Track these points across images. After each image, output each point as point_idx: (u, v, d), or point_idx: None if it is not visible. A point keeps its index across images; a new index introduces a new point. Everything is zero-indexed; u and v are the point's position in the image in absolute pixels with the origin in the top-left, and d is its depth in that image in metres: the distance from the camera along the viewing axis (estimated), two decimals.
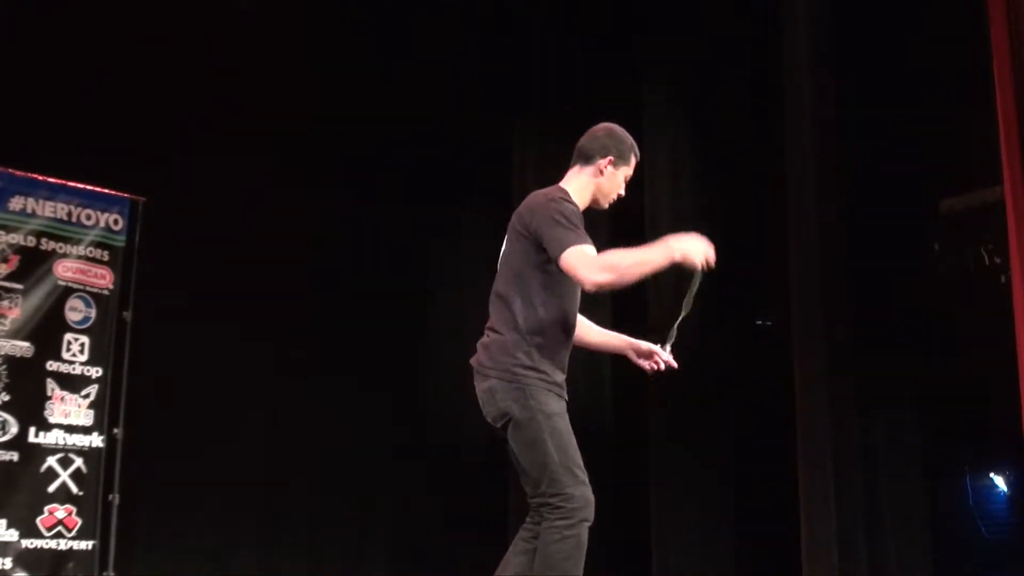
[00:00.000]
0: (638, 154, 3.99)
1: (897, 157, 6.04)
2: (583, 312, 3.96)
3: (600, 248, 3.64)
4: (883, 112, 6.04)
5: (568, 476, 3.57)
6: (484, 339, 3.74)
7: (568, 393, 3.75)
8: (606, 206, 3.97)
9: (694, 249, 3.63)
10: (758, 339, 7.18)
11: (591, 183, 3.92)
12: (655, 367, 3.98)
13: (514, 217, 3.82)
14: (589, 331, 4.03)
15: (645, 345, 4.00)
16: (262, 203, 7.02)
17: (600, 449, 7.58)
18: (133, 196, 6.58)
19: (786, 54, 6.36)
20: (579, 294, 3.80)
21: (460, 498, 7.10)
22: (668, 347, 3.94)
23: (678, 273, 3.76)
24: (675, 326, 3.91)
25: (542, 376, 3.63)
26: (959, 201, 6.25)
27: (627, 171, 3.95)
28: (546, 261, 3.66)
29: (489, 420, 3.72)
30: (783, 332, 6.36)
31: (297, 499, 7.06)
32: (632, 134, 7.75)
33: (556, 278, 3.67)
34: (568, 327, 3.74)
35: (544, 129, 7.94)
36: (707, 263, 3.65)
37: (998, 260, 5.95)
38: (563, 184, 3.92)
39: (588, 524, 3.59)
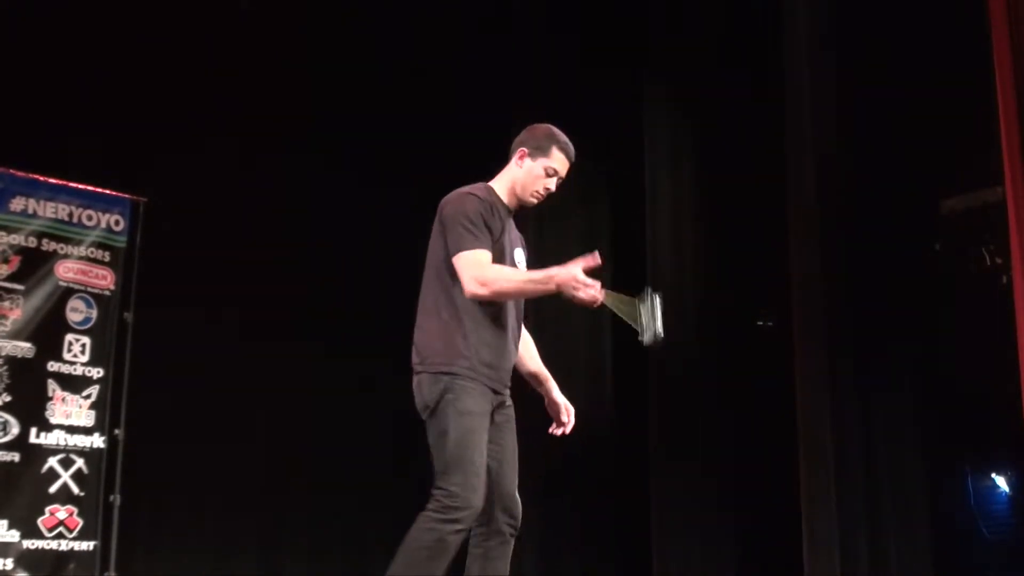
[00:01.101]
0: (568, 151, 3.97)
1: (898, 157, 6.04)
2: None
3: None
4: (884, 112, 6.04)
5: (458, 474, 3.55)
6: (414, 336, 3.81)
7: (503, 386, 3.80)
8: (532, 200, 3.97)
9: (570, 287, 3.69)
10: (759, 340, 7.17)
11: (510, 177, 3.95)
12: (556, 429, 4.04)
13: (437, 212, 3.86)
14: (528, 357, 4.10)
15: (562, 403, 4.06)
16: (263, 203, 7.03)
17: (601, 450, 7.60)
18: (134, 197, 6.59)
19: (787, 54, 6.35)
20: None
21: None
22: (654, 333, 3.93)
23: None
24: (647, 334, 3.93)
25: (466, 369, 3.65)
26: (960, 201, 6.26)
27: (547, 163, 3.92)
28: None
29: (417, 410, 3.75)
30: (784, 333, 6.35)
31: (298, 499, 7.06)
32: (632, 134, 7.75)
33: None
34: (496, 319, 3.77)
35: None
36: (590, 302, 3.73)
37: (999, 260, 5.96)
38: (492, 182, 3.97)
39: (462, 528, 3.55)
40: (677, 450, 7.03)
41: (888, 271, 6.02)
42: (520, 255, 3.99)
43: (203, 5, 6.89)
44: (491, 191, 3.90)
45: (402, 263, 7.79)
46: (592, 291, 3.73)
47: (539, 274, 3.73)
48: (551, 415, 4.04)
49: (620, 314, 3.89)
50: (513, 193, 3.94)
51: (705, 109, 7.33)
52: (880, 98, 6.02)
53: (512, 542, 3.76)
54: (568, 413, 4.03)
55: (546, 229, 7.81)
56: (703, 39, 7.39)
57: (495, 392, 3.76)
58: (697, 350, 7.12)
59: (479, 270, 3.64)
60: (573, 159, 3.99)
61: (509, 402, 3.87)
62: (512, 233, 3.98)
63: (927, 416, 6.01)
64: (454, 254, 3.68)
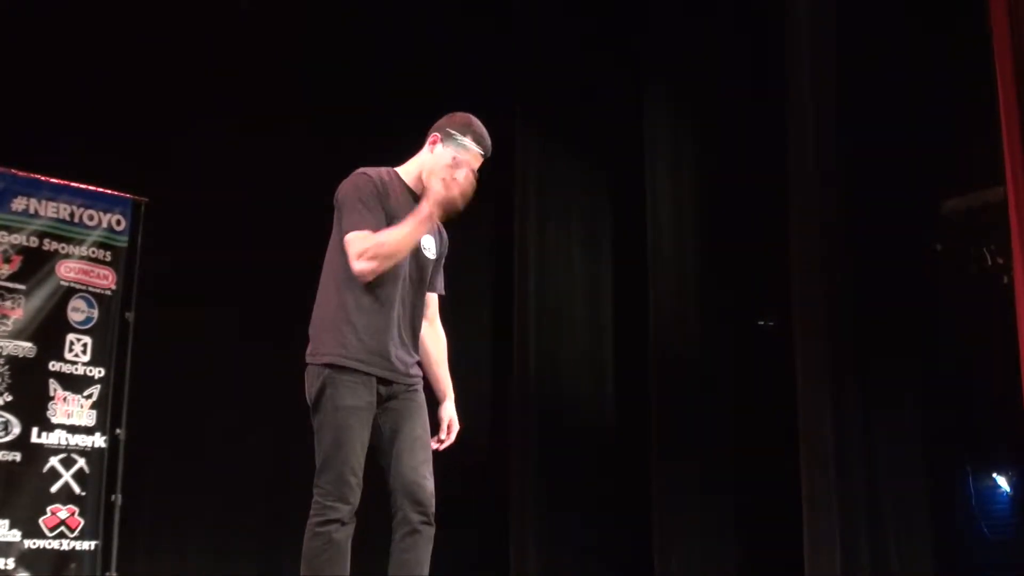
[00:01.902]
0: (483, 143, 3.84)
1: (899, 157, 6.03)
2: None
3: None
4: (885, 112, 6.03)
5: (330, 472, 3.55)
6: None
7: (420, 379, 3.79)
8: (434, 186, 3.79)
9: (442, 197, 3.59)
10: (760, 340, 7.16)
11: (420, 162, 3.86)
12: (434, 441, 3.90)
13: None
14: (435, 360, 4.01)
15: (446, 418, 3.95)
16: (264, 204, 7.03)
17: (602, 451, 7.61)
18: (135, 196, 6.60)
19: (788, 54, 6.35)
20: (406, 269, 3.74)
21: (461, 498, 7.09)
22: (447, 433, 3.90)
23: None
24: None
25: (348, 359, 3.60)
26: (961, 201, 6.25)
27: (457, 153, 3.79)
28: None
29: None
30: (785, 333, 6.35)
31: (299, 499, 7.00)
32: (632, 134, 7.74)
33: None
34: (385, 308, 3.68)
35: (545, 128, 7.95)
36: (466, 191, 3.63)
37: (1000, 260, 5.95)
38: (399, 167, 3.89)
39: (342, 524, 3.54)
40: (678, 450, 7.03)
41: (889, 271, 6.01)
42: (430, 241, 3.86)
43: (203, 5, 6.90)
44: (392, 173, 3.82)
45: None
46: (462, 174, 3.67)
47: (410, 219, 3.61)
48: (437, 422, 3.93)
49: None
50: (419, 175, 3.83)
51: (706, 109, 7.33)
52: (881, 98, 6.01)
53: (427, 532, 3.67)
54: (450, 431, 3.92)
55: (548, 231, 7.82)
56: (704, 39, 7.39)
57: (385, 382, 3.67)
58: (698, 350, 7.12)
59: (360, 247, 3.57)
60: (488, 152, 3.87)
61: (414, 390, 3.78)
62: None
63: (928, 416, 6.00)
64: (342, 237, 3.64)
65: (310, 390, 3.66)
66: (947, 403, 6.13)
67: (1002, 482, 6.56)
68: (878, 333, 5.97)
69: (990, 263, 6.10)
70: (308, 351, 3.70)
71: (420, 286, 3.83)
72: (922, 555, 5.85)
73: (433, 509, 3.68)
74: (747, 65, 7.13)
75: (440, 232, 3.95)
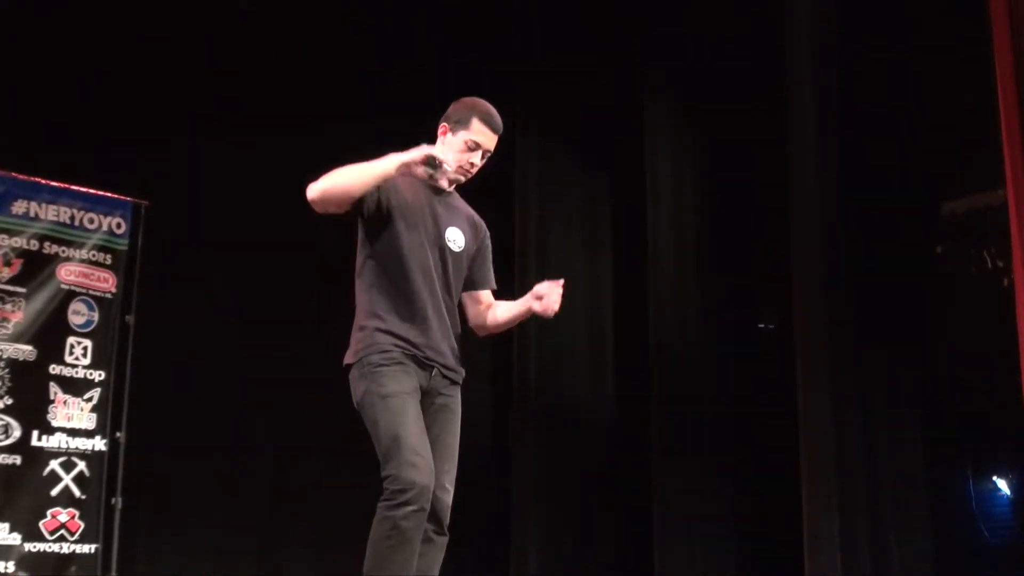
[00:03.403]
0: (492, 122, 3.80)
1: (899, 160, 6.03)
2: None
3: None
4: (885, 114, 6.03)
5: (396, 457, 3.43)
6: None
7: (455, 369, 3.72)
8: (457, 177, 3.80)
9: (412, 163, 3.57)
10: (761, 343, 7.17)
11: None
12: (548, 304, 3.78)
13: None
14: (499, 311, 3.93)
15: (542, 286, 3.79)
16: (265, 206, 7.02)
17: (603, 451, 7.61)
18: (136, 200, 6.60)
19: (788, 54, 6.35)
20: (428, 262, 3.69)
21: (462, 498, 7.09)
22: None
23: None
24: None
25: (386, 347, 3.57)
26: (961, 204, 6.25)
27: (468, 136, 3.76)
28: (366, 233, 3.69)
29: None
30: (786, 335, 6.35)
31: (300, 502, 7.06)
32: (633, 137, 7.72)
33: (386, 250, 3.66)
34: (407, 295, 3.64)
35: (545, 130, 7.95)
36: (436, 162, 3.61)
37: (1000, 263, 5.96)
38: None
39: (413, 510, 3.41)
40: (679, 452, 7.02)
41: (889, 274, 6.01)
42: (457, 233, 3.80)
43: (203, 7, 6.89)
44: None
45: None
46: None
47: (378, 160, 3.58)
48: (540, 300, 3.77)
49: None
50: None
51: (706, 111, 7.33)
52: (881, 99, 6.01)
53: (440, 541, 3.62)
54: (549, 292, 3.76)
55: (551, 234, 7.82)
56: (704, 42, 7.39)
57: (425, 367, 3.64)
58: (699, 351, 7.11)
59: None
60: (499, 130, 3.83)
61: (454, 390, 3.75)
62: (441, 210, 3.79)
63: (928, 418, 6.01)
64: None
65: (355, 392, 3.64)
66: (947, 406, 6.14)
67: (1002, 485, 6.56)
68: (878, 336, 5.97)
69: (990, 266, 6.11)
70: (349, 354, 3.69)
71: (448, 279, 3.76)
72: (922, 557, 5.85)
73: (448, 521, 3.63)
74: (748, 66, 7.14)
75: (475, 225, 3.91)
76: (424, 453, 3.48)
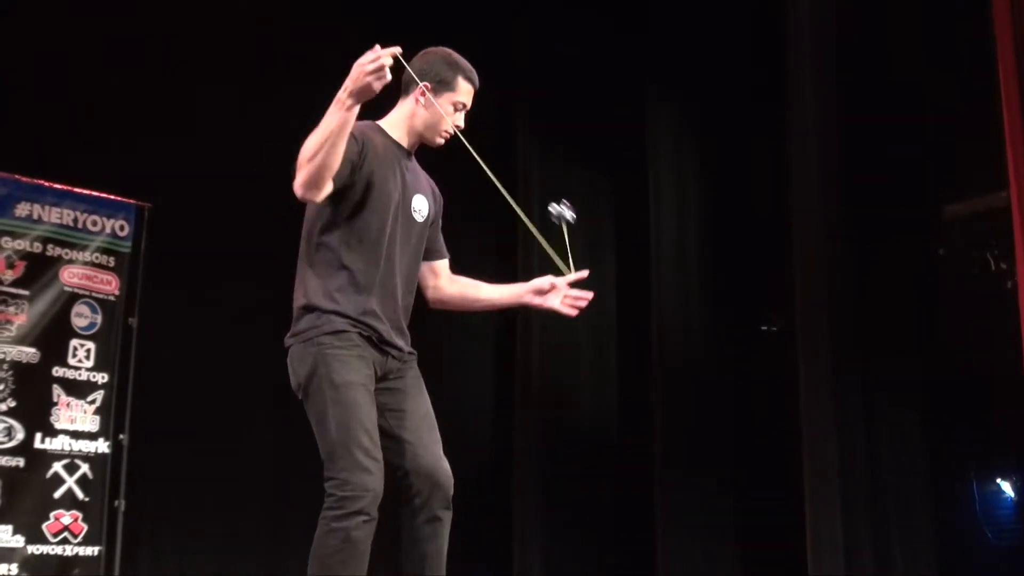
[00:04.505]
0: (473, 78, 3.56)
1: (902, 161, 6.03)
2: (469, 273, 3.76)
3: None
4: (888, 116, 6.03)
5: (345, 458, 3.16)
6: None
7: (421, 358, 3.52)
8: (439, 140, 3.57)
9: (360, 80, 3.14)
10: (763, 345, 7.16)
11: (409, 115, 3.55)
12: (573, 303, 3.59)
13: None
14: (477, 289, 3.71)
15: (544, 281, 3.60)
16: (269, 208, 7.02)
17: (605, 456, 7.60)
18: (139, 202, 6.60)
19: (789, 58, 6.35)
20: (395, 234, 3.44)
21: (465, 499, 7.09)
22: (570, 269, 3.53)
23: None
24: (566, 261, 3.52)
25: (339, 326, 3.29)
26: (964, 206, 6.25)
27: (454, 98, 3.50)
28: (324, 206, 3.37)
29: (293, 391, 3.41)
30: (788, 338, 6.35)
31: (303, 505, 7.01)
32: (635, 137, 7.68)
33: (341, 222, 3.38)
34: (369, 272, 3.37)
35: (546, 133, 7.95)
36: (379, 69, 3.12)
37: (1004, 265, 5.95)
38: (383, 119, 3.57)
39: (366, 519, 3.15)
40: (682, 456, 7.03)
41: (892, 276, 6.01)
42: (422, 202, 3.57)
43: (207, 11, 6.90)
44: (373, 126, 3.52)
45: None
46: (375, 58, 3.14)
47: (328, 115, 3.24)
48: (553, 301, 3.59)
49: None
50: (415, 132, 3.54)
51: (709, 114, 7.34)
52: (884, 101, 6.01)
53: (447, 517, 3.39)
54: (554, 286, 3.57)
55: (552, 237, 7.81)
56: (706, 45, 7.39)
57: (381, 350, 3.38)
58: (701, 355, 7.12)
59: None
60: (478, 85, 3.58)
61: (411, 364, 3.49)
62: (408, 176, 3.53)
63: (932, 421, 6.00)
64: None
65: (297, 375, 3.35)
66: (951, 408, 6.13)
67: (1006, 487, 6.55)
68: (881, 338, 5.97)
69: (993, 268, 6.10)
70: (291, 332, 3.42)
71: (413, 251, 3.53)
72: (926, 560, 5.84)
73: (452, 492, 3.39)
74: (749, 69, 7.14)
75: (434, 193, 3.69)
76: (378, 456, 3.22)
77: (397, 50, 3.21)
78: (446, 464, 3.40)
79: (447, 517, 3.39)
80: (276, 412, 7.00)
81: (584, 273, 3.58)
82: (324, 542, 3.18)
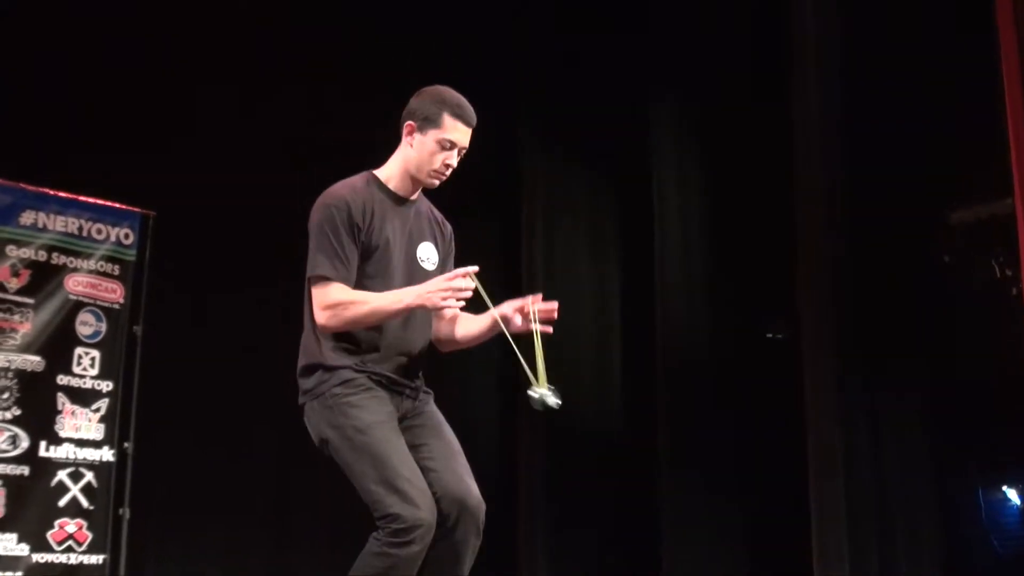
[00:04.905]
0: (464, 115, 3.44)
1: (906, 168, 6.03)
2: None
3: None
4: (892, 122, 6.03)
5: (391, 494, 3.14)
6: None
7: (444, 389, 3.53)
8: (431, 181, 3.47)
9: (427, 299, 3.22)
10: (769, 352, 7.15)
11: (402, 159, 3.47)
12: (546, 316, 3.45)
13: None
14: (460, 325, 3.58)
15: (508, 307, 3.45)
16: (273, 216, 7.02)
17: (610, 459, 7.60)
18: (143, 210, 6.61)
19: (793, 63, 6.35)
20: (395, 284, 3.40)
21: None
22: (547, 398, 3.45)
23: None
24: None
25: (351, 375, 3.29)
26: (969, 213, 6.24)
27: (440, 135, 3.39)
28: None
29: (318, 448, 3.41)
30: (794, 345, 6.34)
31: (308, 512, 7.06)
32: (638, 146, 7.66)
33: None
34: (375, 333, 3.36)
35: (550, 137, 7.96)
36: (455, 296, 3.22)
37: (1009, 272, 5.94)
38: (384, 166, 3.53)
39: (418, 550, 3.14)
40: (686, 461, 7.02)
41: (897, 283, 6.00)
42: (429, 249, 3.53)
43: (210, 19, 6.91)
44: (370, 182, 3.46)
45: None
46: (455, 284, 3.23)
47: (390, 296, 3.30)
48: (519, 319, 3.45)
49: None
50: (408, 176, 3.47)
51: (712, 119, 7.34)
52: (888, 108, 6.01)
53: (476, 546, 3.34)
54: (524, 305, 3.43)
55: (556, 244, 7.82)
56: (710, 47, 7.39)
57: (397, 391, 3.38)
58: (706, 359, 7.11)
59: (328, 301, 3.28)
60: (473, 123, 3.46)
61: (426, 401, 3.49)
62: (411, 226, 3.49)
63: (937, 429, 5.99)
64: (308, 276, 3.35)
65: (318, 432, 3.35)
66: (956, 415, 6.12)
67: (1012, 495, 6.54)
68: (887, 345, 5.96)
69: (999, 274, 6.09)
70: (303, 389, 3.43)
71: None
72: (932, 567, 5.83)
73: (483, 519, 3.35)
74: (753, 74, 7.14)
75: (442, 231, 3.64)
76: (422, 485, 3.20)
77: (474, 269, 3.27)
78: (476, 490, 3.36)
79: (477, 544, 3.35)
80: (280, 420, 6.96)
81: (554, 303, 3.50)
82: (371, 561, 3.18)
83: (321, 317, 3.30)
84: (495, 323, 3.48)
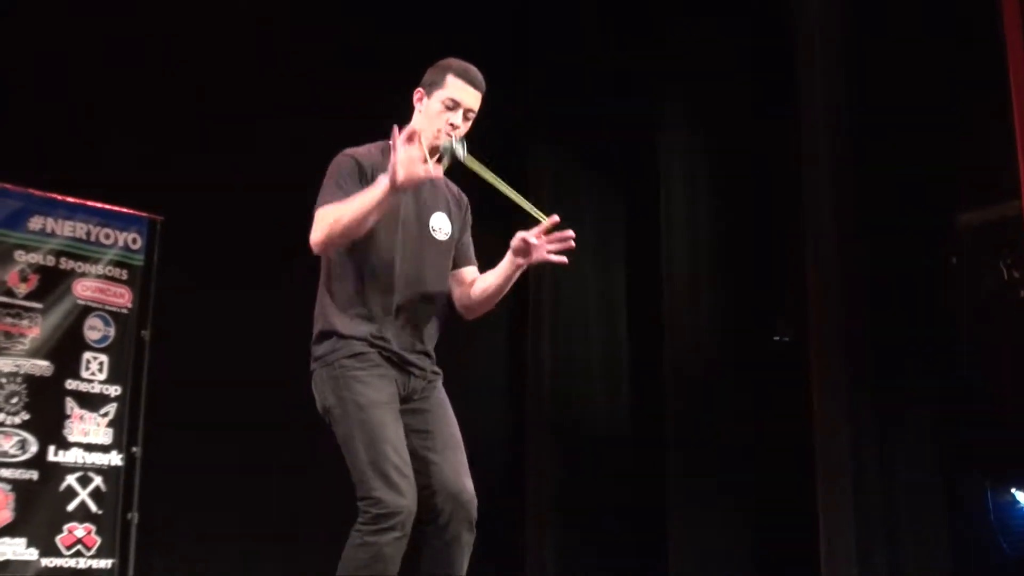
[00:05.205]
0: (468, 75, 3.51)
1: (914, 170, 6.02)
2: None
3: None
4: (900, 125, 6.02)
5: (376, 478, 3.18)
6: None
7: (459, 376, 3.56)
8: (438, 143, 3.45)
9: (405, 163, 3.17)
10: (776, 354, 7.15)
11: (412, 126, 3.47)
12: (560, 247, 3.52)
13: None
14: (485, 279, 3.62)
15: (516, 240, 3.52)
16: (281, 221, 7.02)
17: (617, 462, 7.60)
18: (151, 215, 6.63)
19: (800, 68, 6.35)
20: (411, 256, 3.45)
21: (479, 502, 7.08)
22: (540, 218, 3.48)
23: None
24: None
25: (358, 349, 3.32)
26: (977, 215, 6.24)
27: (444, 94, 3.47)
28: None
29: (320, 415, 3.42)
30: (801, 348, 6.34)
31: (318, 516, 7.05)
32: (647, 150, 7.67)
33: (359, 244, 3.38)
34: (387, 294, 3.39)
35: (558, 143, 7.97)
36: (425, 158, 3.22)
37: (1017, 274, 5.94)
38: None
39: (398, 536, 3.17)
40: (694, 465, 7.02)
41: (904, 285, 6.00)
42: (442, 219, 3.58)
43: (221, 24, 6.92)
44: (385, 150, 3.47)
45: None
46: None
47: (369, 189, 3.28)
48: (537, 254, 3.50)
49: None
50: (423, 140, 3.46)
51: (720, 124, 7.34)
52: (895, 111, 6.01)
53: (470, 542, 3.38)
54: (522, 239, 3.48)
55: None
56: (717, 57, 7.40)
57: (404, 370, 3.40)
58: (714, 363, 7.11)
59: (317, 221, 3.33)
60: (479, 86, 3.53)
61: (435, 383, 3.50)
62: (425, 195, 3.54)
63: (945, 431, 5.98)
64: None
65: (322, 399, 3.40)
66: (964, 418, 6.11)
67: (1021, 497, 6.52)
68: (894, 348, 5.95)
69: (1007, 277, 6.09)
70: (313, 357, 3.47)
71: (434, 272, 3.51)
72: (940, 570, 5.82)
73: (476, 515, 3.40)
74: (760, 80, 7.14)
75: (459, 203, 3.69)
76: (408, 473, 3.24)
77: (410, 129, 3.29)
78: (471, 486, 3.40)
79: (470, 540, 3.39)
80: (289, 424, 7.00)
81: (555, 218, 3.53)
82: (354, 555, 3.22)
83: (314, 238, 3.33)
84: (513, 261, 3.52)
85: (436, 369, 3.54)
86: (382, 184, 3.23)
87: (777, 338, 7.25)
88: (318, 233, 3.33)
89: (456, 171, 3.66)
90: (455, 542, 3.35)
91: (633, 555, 7.43)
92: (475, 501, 3.40)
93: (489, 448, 7.48)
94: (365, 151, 3.53)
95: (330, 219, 3.30)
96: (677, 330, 7.30)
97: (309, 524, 7.06)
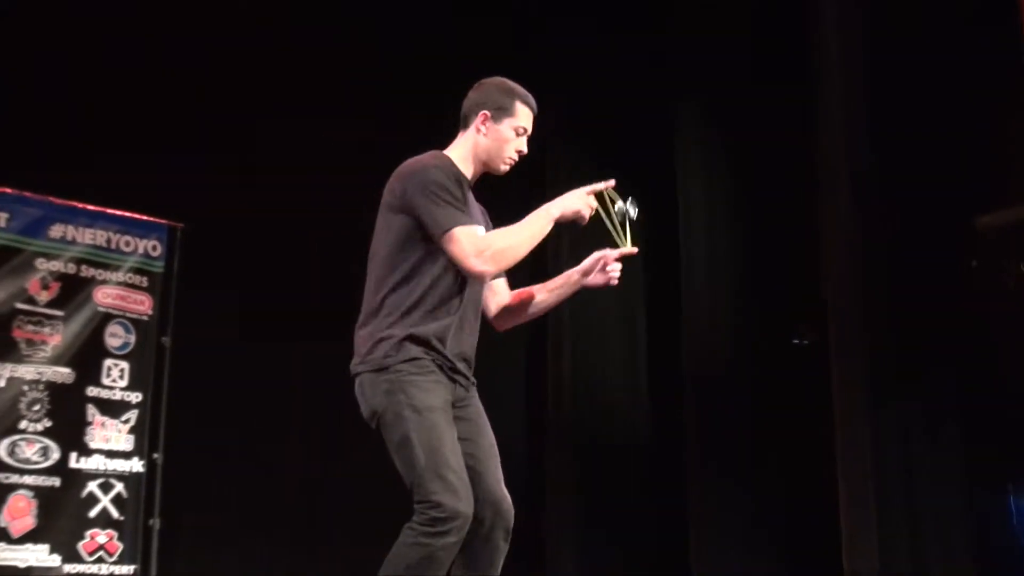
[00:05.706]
0: (531, 103, 3.59)
1: (933, 172, 6.00)
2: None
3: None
4: (918, 127, 6.00)
5: (436, 481, 3.15)
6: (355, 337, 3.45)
7: (474, 376, 3.50)
8: (503, 168, 3.57)
9: (573, 203, 3.44)
10: (796, 358, 7.13)
11: (473, 145, 3.54)
12: (612, 274, 3.65)
13: (385, 189, 3.48)
14: (531, 292, 3.71)
15: (589, 261, 3.65)
16: (300, 227, 7.06)
17: (638, 468, 7.59)
18: (171, 222, 6.65)
19: (819, 70, 6.34)
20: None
21: None
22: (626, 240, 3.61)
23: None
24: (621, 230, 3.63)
25: (415, 357, 3.30)
26: (996, 217, 6.21)
27: (515, 123, 3.54)
28: (420, 237, 3.37)
29: (366, 420, 3.39)
30: (821, 351, 6.32)
31: (338, 522, 7.07)
32: (664, 150, 7.65)
33: (428, 253, 3.37)
34: (445, 302, 3.39)
35: (574, 143, 7.96)
36: (592, 205, 3.48)
37: None
38: (447, 151, 3.56)
39: (454, 541, 3.16)
40: (714, 468, 7.01)
41: (924, 288, 5.98)
42: (483, 232, 3.53)
43: (239, 31, 6.94)
44: (446, 160, 3.50)
45: None
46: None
47: (531, 217, 3.41)
48: (601, 277, 3.66)
49: (614, 216, 3.64)
50: (478, 161, 3.55)
51: (738, 126, 7.32)
52: (915, 113, 5.99)
53: (505, 550, 3.38)
54: (603, 259, 3.63)
55: (580, 247, 7.81)
56: (735, 56, 7.38)
57: (453, 380, 3.39)
58: (734, 368, 7.10)
59: (478, 247, 3.29)
60: (536, 110, 3.61)
61: (473, 393, 3.51)
62: (474, 208, 3.57)
63: (968, 434, 5.95)
64: (440, 234, 3.29)
65: (371, 404, 3.33)
66: (986, 421, 6.08)
67: None
68: (915, 351, 5.93)
69: None
70: (358, 359, 3.39)
71: (479, 286, 3.54)
72: (963, 573, 5.79)
73: (512, 524, 3.40)
74: (779, 81, 7.12)
75: (487, 217, 3.69)
76: (466, 479, 3.23)
77: (611, 183, 3.56)
78: (508, 496, 3.41)
79: (506, 548, 3.39)
80: (308, 429, 7.04)
81: (635, 249, 3.67)
82: (406, 552, 3.17)
83: (476, 265, 3.31)
84: (578, 278, 3.68)
85: (474, 379, 3.54)
86: (547, 217, 3.42)
87: (796, 341, 7.23)
88: (487, 264, 3.33)
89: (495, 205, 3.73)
90: (494, 549, 3.36)
91: (655, 556, 7.42)
92: (513, 510, 3.41)
93: (510, 450, 7.49)
94: (439, 162, 3.46)
95: (496, 253, 3.33)
96: (696, 333, 7.29)
97: (330, 529, 7.08)
